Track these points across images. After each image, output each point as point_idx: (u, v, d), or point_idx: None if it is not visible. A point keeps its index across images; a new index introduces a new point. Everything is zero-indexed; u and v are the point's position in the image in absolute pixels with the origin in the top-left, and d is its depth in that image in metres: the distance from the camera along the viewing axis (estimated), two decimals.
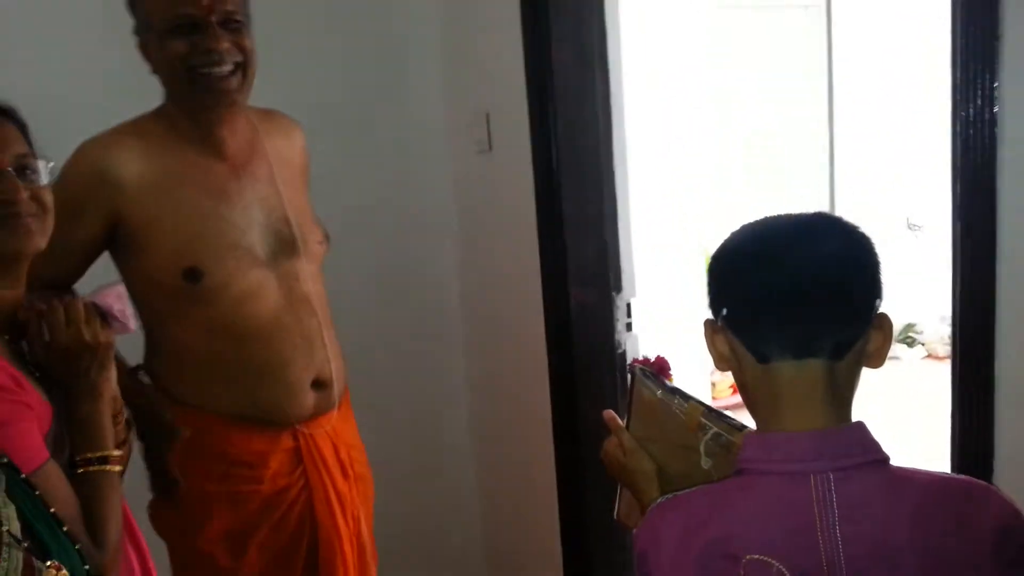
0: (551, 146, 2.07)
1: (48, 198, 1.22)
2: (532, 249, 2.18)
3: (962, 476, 1.04)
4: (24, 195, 1.17)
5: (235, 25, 1.53)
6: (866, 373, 0.98)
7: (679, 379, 3.96)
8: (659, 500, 1.02)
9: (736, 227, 1.01)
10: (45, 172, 1.22)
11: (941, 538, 0.90)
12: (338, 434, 1.75)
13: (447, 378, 2.70)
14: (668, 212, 3.87)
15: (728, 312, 0.97)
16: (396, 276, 2.47)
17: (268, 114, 1.73)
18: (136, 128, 1.58)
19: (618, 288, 2.14)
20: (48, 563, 0.86)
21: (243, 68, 1.55)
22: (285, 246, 1.65)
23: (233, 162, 1.61)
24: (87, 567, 0.94)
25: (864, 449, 0.93)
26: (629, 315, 2.14)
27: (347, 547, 1.74)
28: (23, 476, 0.96)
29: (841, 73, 5.46)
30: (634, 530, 1.03)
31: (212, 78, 1.52)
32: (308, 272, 1.69)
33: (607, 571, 2.22)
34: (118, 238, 1.56)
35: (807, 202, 5.64)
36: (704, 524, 0.93)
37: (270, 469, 1.66)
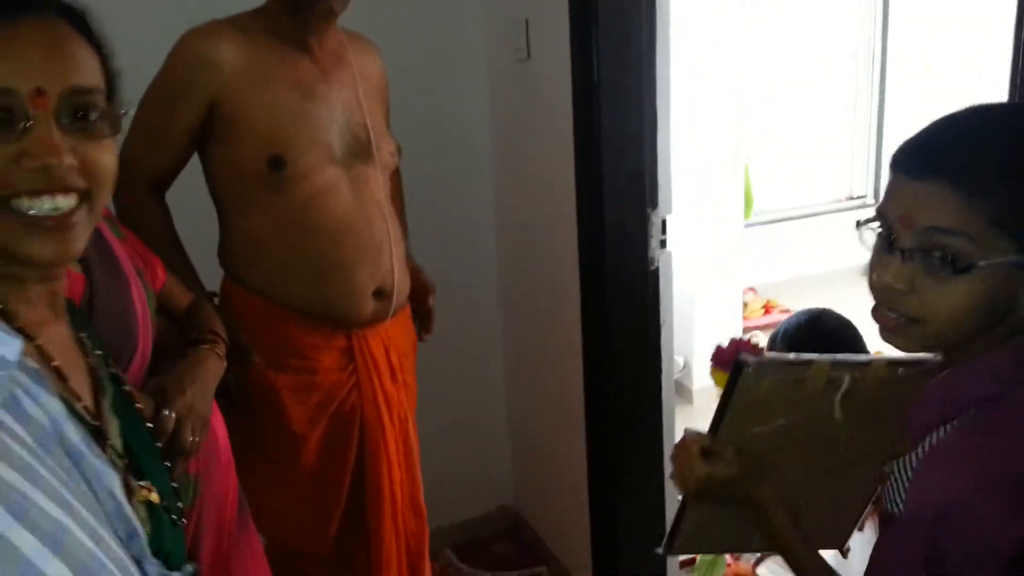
0: (592, 55, 2.00)
1: (106, 161, 0.83)
2: (568, 161, 2.14)
3: None
4: (67, 164, 0.78)
5: None
6: None
7: (710, 298, 3.95)
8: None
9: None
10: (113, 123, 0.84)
11: None
12: (390, 338, 1.83)
13: (479, 287, 2.72)
14: (706, 127, 3.78)
15: None
16: (429, 185, 2.45)
17: (355, 34, 1.83)
18: (235, 22, 1.65)
19: (653, 204, 2.09)
20: (142, 483, 0.85)
21: None
22: (360, 150, 1.73)
23: (322, 65, 1.70)
24: (178, 502, 0.91)
25: None
26: (664, 232, 2.11)
27: (392, 445, 1.81)
28: (126, 387, 0.93)
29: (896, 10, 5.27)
30: (898, 495, 0.89)
31: None
32: (379, 180, 1.76)
33: (632, 497, 2.25)
34: (211, 124, 1.63)
35: (854, 128, 5.50)
36: None
37: (321, 363, 1.73)
